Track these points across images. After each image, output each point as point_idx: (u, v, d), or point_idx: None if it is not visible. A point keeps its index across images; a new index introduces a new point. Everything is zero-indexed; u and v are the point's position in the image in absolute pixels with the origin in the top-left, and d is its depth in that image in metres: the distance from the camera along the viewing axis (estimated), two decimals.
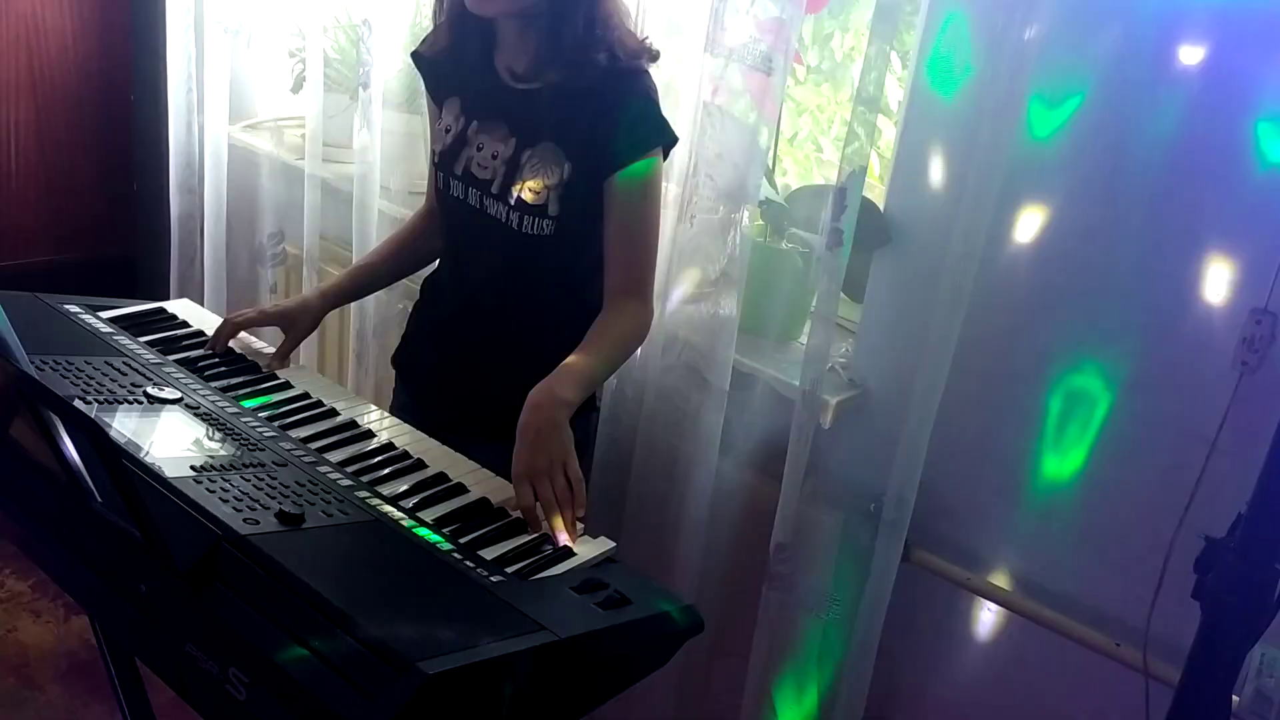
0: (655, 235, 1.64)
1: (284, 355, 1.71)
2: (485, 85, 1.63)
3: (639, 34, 1.61)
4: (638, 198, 1.58)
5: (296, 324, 1.75)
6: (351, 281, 1.85)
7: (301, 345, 2.50)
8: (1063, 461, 1.69)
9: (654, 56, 1.59)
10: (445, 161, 1.67)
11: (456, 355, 1.74)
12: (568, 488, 1.41)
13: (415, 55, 1.74)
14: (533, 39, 1.55)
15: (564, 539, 1.35)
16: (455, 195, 1.67)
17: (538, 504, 1.38)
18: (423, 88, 1.79)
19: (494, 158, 1.61)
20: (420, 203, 1.90)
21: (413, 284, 2.34)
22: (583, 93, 1.54)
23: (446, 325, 1.76)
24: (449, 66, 1.68)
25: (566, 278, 1.66)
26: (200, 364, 1.62)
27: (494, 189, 1.61)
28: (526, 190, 1.58)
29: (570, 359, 1.54)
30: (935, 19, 1.67)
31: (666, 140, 1.60)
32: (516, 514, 1.39)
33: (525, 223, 1.60)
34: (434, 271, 1.85)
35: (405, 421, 1.59)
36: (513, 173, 1.60)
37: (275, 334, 1.75)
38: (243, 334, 1.72)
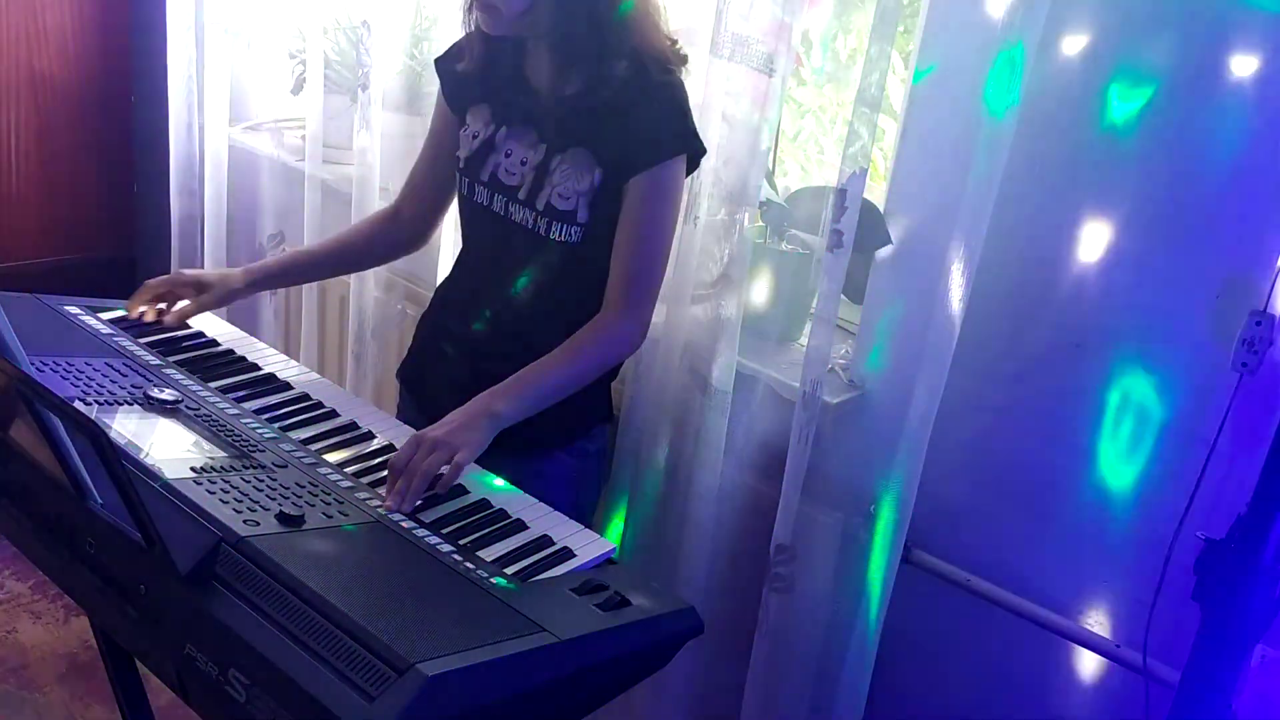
0: (664, 245, 1.60)
1: (185, 315, 1.70)
2: (515, 93, 1.63)
3: (669, 36, 1.58)
4: (651, 203, 1.57)
5: (210, 290, 1.72)
6: (282, 268, 1.84)
7: (301, 346, 2.49)
8: (1063, 462, 1.69)
9: (683, 61, 1.58)
10: (470, 167, 1.65)
11: (475, 368, 1.68)
12: (439, 466, 1.38)
13: (439, 62, 1.73)
14: (547, 52, 1.56)
15: (393, 502, 1.33)
16: (479, 201, 1.65)
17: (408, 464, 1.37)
18: (431, 92, 1.77)
19: (522, 164, 1.60)
20: None
21: (413, 286, 2.35)
22: (610, 100, 1.53)
23: (465, 336, 1.72)
24: (477, 74, 1.66)
25: (589, 286, 1.63)
26: (200, 366, 1.62)
27: (521, 195, 1.60)
28: (556, 196, 1.57)
29: (531, 371, 1.54)
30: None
31: (691, 149, 1.58)
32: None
33: (553, 229, 1.58)
34: (447, 281, 1.81)
35: None
36: (542, 178, 1.59)
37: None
38: (190, 311, 1.71)
